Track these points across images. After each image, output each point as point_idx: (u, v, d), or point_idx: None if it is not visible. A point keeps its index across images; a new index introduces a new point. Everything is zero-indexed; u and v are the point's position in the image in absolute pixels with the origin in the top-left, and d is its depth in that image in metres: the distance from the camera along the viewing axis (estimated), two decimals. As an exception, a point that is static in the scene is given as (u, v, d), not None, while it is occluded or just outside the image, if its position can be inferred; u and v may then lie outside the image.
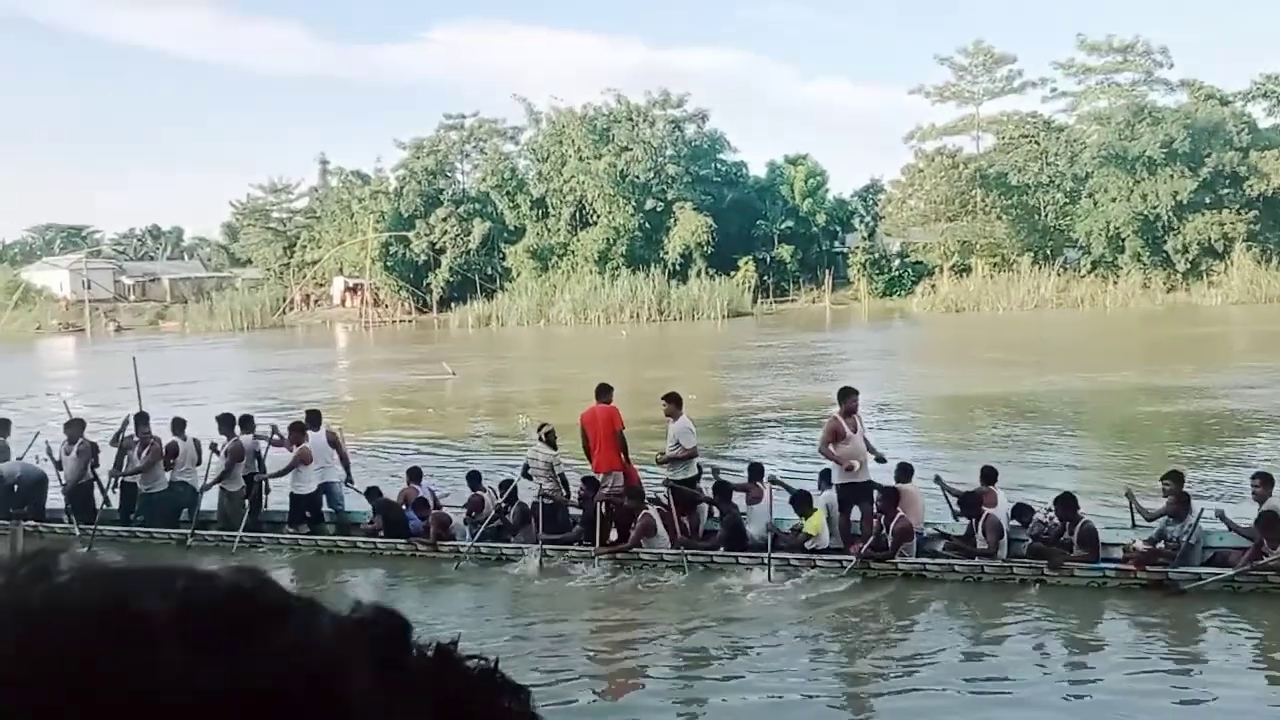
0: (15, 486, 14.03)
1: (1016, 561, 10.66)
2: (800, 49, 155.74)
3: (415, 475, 13.67)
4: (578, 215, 71.62)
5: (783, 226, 71.23)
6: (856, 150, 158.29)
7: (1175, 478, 10.80)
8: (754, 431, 21.61)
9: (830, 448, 11.72)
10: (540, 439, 12.91)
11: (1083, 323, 49.31)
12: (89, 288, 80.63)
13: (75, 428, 14.50)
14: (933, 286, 66.62)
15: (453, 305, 71.64)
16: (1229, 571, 9.93)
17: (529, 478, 12.79)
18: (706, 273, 67.53)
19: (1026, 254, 65.36)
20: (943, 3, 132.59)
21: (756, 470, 12.51)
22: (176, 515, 13.82)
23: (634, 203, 69.67)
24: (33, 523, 13.15)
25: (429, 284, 73.64)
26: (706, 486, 12.62)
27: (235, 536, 13.21)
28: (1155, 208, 61.04)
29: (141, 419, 14.20)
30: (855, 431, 11.72)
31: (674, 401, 12.52)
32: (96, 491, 14.51)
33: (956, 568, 10.80)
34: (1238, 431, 19.61)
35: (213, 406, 21.60)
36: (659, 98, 72.04)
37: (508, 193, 73.08)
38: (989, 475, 11.71)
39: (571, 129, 71.61)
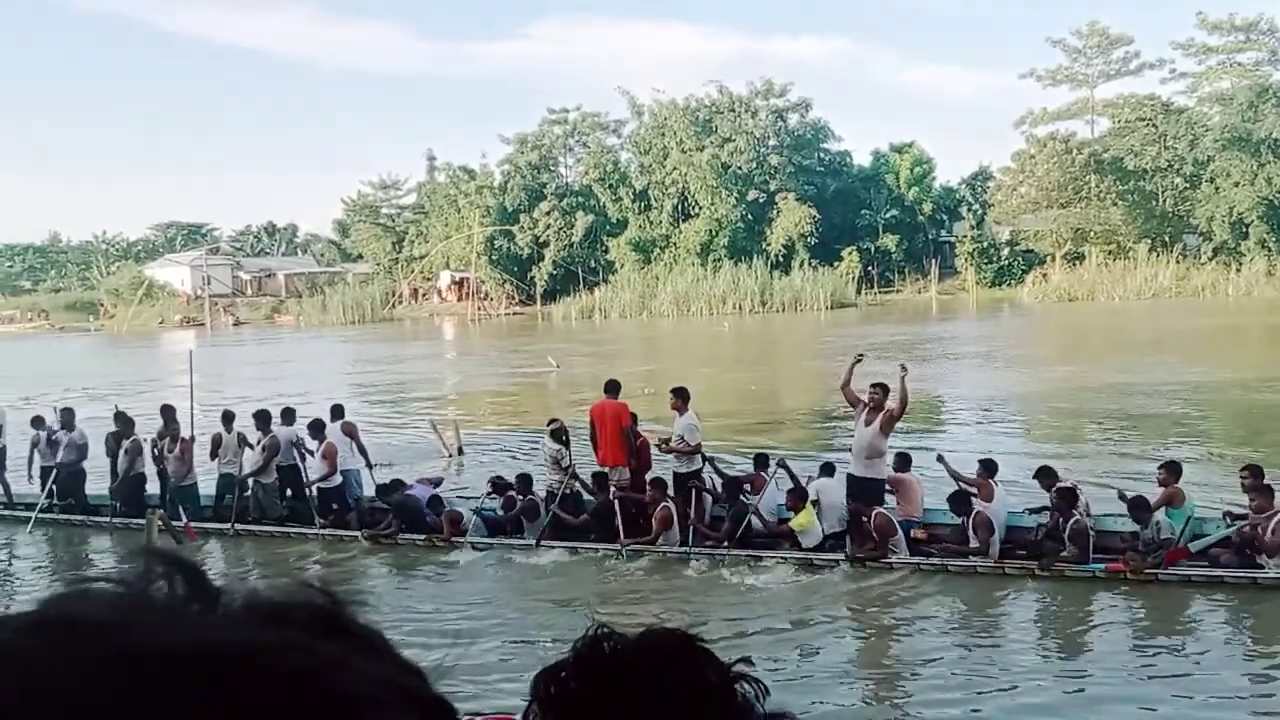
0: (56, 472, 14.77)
1: (1009, 562, 10.74)
2: (905, 33, 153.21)
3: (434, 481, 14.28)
4: (680, 207, 71.63)
5: (888, 216, 70.18)
6: (964, 137, 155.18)
7: (1172, 468, 11.12)
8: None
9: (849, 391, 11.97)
10: (549, 434, 13.23)
11: (1204, 312, 47.51)
12: (208, 283, 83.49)
13: (125, 424, 14.93)
14: (1044, 276, 64.96)
15: (556, 298, 72.34)
16: (1219, 572, 10.06)
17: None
18: (809, 264, 66.92)
19: (1143, 241, 63.30)
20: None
21: (761, 460, 12.75)
22: (199, 505, 14.38)
23: (736, 194, 69.38)
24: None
25: (533, 277, 74.47)
26: (708, 480, 12.73)
27: (269, 528, 13.83)
28: (1282, 192, 58.50)
29: (168, 412, 14.68)
30: (869, 426, 11.69)
31: (681, 396, 12.71)
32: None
33: (950, 567, 10.86)
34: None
35: (327, 398, 22.22)
36: (761, 88, 71.61)
37: (610, 186, 73.45)
38: (989, 467, 11.69)
39: (673, 121, 71.61)
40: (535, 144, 76.60)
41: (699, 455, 12.58)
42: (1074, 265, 64.91)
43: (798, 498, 11.78)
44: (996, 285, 67.25)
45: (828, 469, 12.33)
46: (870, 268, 69.52)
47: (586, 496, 12.90)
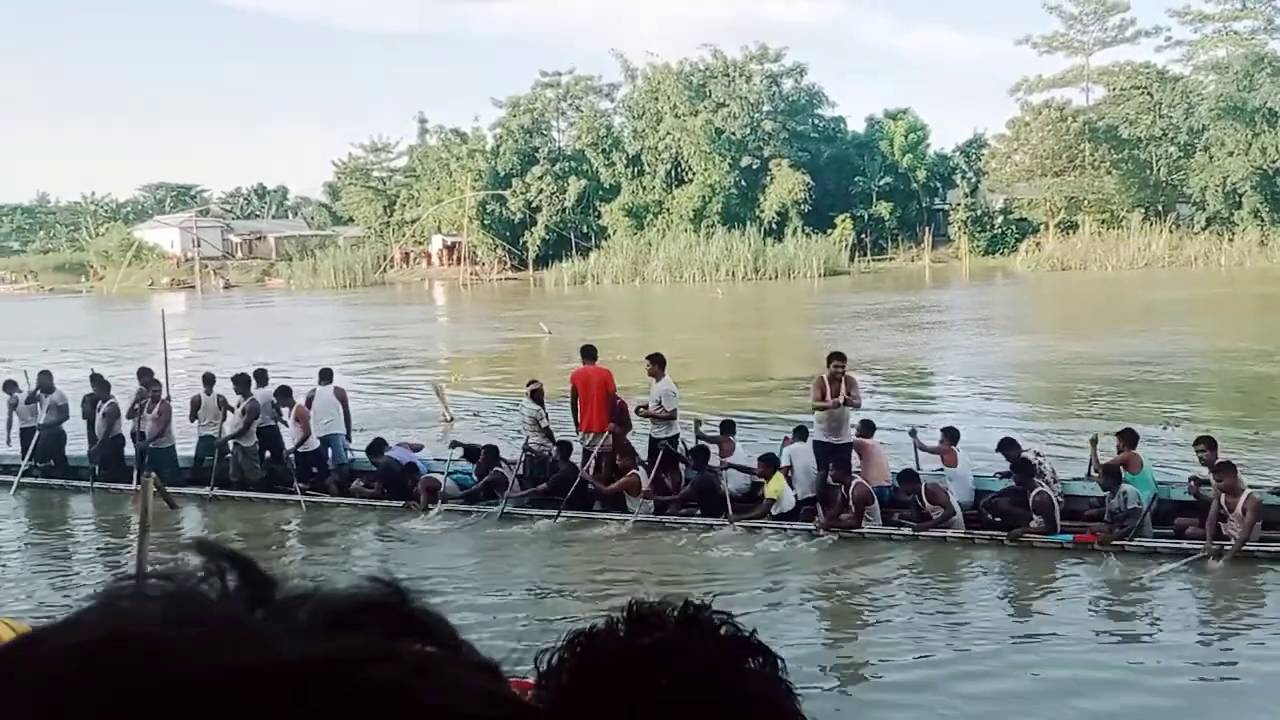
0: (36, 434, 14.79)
1: (978, 533, 10.80)
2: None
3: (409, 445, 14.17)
4: (673, 173, 71.31)
5: (881, 183, 69.97)
6: (959, 103, 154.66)
7: (1127, 436, 11.21)
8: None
9: (821, 402, 11.81)
10: (528, 395, 13.38)
11: (1196, 282, 47.59)
12: (198, 245, 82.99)
13: (101, 386, 14.94)
14: (1037, 245, 64.94)
15: (549, 263, 72.09)
16: (1186, 544, 10.10)
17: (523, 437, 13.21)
18: (803, 231, 66.74)
19: (1137, 210, 63.24)
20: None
21: (728, 426, 12.95)
22: (177, 467, 14.33)
23: (730, 160, 69.08)
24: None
25: (525, 242, 74.19)
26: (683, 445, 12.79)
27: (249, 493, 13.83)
28: (1275, 162, 58.43)
29: (146, 374, 14.74)
30: (838, 395, 11.76)
31: (658, 362, 12.82)
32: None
33: (919, 536, 10.90)
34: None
35: (317, 362, 22.13)
36: (756, 52, 71.14)
37: (603, 150, 73.05)
38: (951, 435, 11.80)
39: (667, 85, 71.13)
40: (528, 107, 76.07)
41: (673, 421, 12.64)
42: (1067, 234, 64.86)
43: (768, 464, 11.80)
44: (990, 254, 67.18)
45: (800, 433, 12.32)
46: (864, 235, 69.39)
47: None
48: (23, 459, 14.86)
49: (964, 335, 31.41)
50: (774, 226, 67.91)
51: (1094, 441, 11.72)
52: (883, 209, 69.55)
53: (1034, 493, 10.62)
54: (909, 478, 11.38)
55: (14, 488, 14.57)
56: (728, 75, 70.43)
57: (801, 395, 15.08)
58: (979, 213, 69.08)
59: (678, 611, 0.55)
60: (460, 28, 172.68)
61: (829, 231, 67.47)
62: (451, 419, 18.81)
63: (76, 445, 15.19)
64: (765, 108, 70.27)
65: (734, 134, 68.70)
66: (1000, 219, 68.98)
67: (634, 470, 12.14)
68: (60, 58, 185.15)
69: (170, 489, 13.61)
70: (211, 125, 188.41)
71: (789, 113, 70.50)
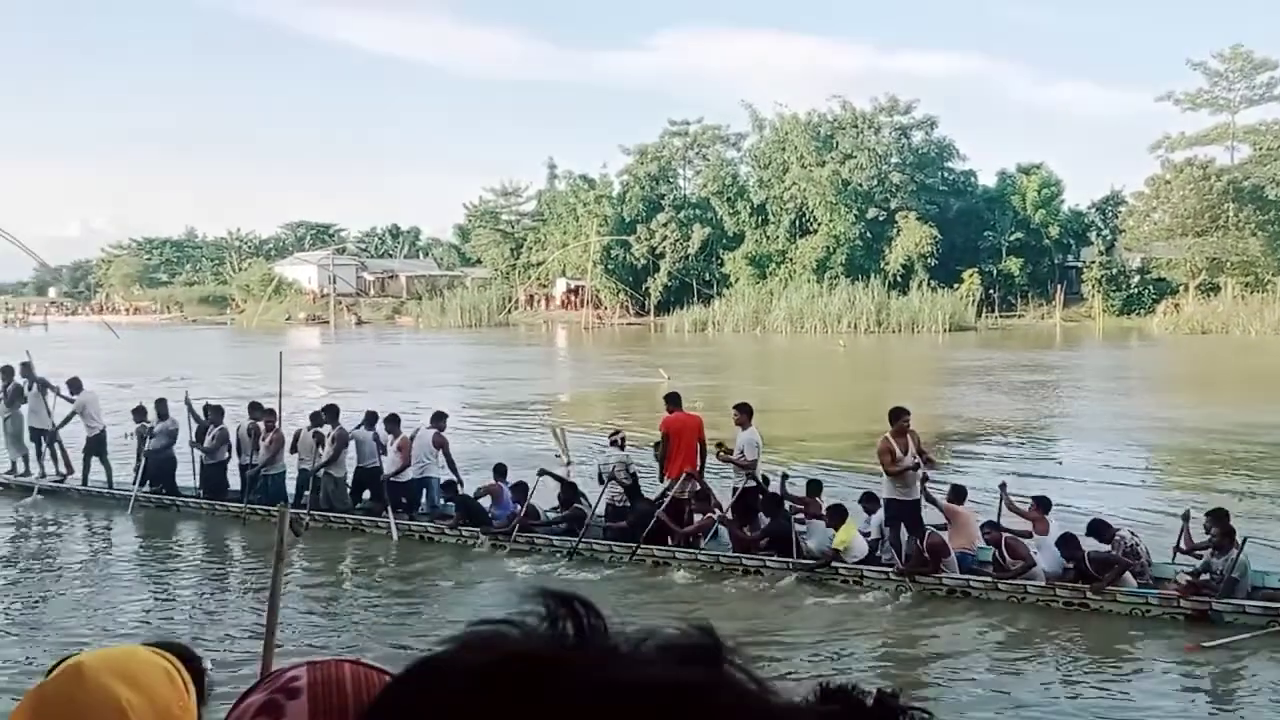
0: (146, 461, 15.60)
1: (1060, 585, 10.51)
2: (1038, 51, 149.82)
3: (500, 472, 14.25)
4: (797, 223, 71.12)
5: (1012, 238, 68.53)
6: (1096, 159, 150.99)
7: (1218, 515, 10.53)
8: (969, 450, 20.81)
9: (892, 466, 11.60)
10: (613, 443, 13.61)
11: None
12: (334, 282, 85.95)
13: (214, 413, 15.63)
14: (1176, 306, 62.61)
15: (670, 310, 72.47)
16: (1275, 605, 9.67)
17: (602, 482, 13.32)
18: (928, 284, 65.72)
19: (1283, 273, 60.52)
20: (1196, 5, 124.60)
21: (814, 486, 12.87)
22: (285, 496, 14.74)
23: (855, 211, 68.60)
24: (293, 511, 14.04)
25: (647, 288, 74.78)
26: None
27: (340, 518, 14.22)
28: None
29: (255, 409, 15.36)
30: (907, 452, 11.62)
31: (744, 412, 12.86)
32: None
33: (1000, 586, 10.69)
34: None
35: (439, 400, 22.58)
36: (886, 104, 70.71)
37: (728, 199, 73.35)
38: (1042, 504, 11.51)
39: (795, 135, 71.17)
40: (655, 155, 76.99)
41: (754, 470, 12.71)
42: (1208, 296, 62.41)
43: (838, 516, 11.81)
44: (1125, 314, 65.06)
45: (872, 500, 12.15)
46: (992, 291, 67.96)
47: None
48: (135, 482, 15.68)
49: (1096, 398, 30.39)
50: (899, 279, 67.04)
51: (1186, 517, 11.18)
52: (1013, 265, 68.05)
53: (1113, 544, 10.40)
54: (992, 527, 11.24)
55: (130, 507, 15.33)
56: (856, 126, 70.14)
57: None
58: (1114, 271, 67.03)
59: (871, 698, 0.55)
60: (591, 75, 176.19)
61: (956, 286, 66.28)
62: (570, 462, 18.96)
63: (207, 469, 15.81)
64: (894, 159, 69.70)
65: (861, 185, 68.26)
66: (1137, 278, 66.81)
67: (710, 514, 12.27)
68: (210, 101, 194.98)
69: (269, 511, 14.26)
70: (351, 167, 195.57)
71: (918, 165, 69.77)
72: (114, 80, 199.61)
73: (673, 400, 13.55)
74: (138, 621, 10.62)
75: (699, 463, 12.92)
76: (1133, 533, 11.08)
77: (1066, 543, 10.69)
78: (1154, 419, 25.01)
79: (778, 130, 72.99)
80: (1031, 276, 68.76)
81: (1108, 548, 10.67)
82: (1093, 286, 66.51)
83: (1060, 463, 19.77)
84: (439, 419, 14.91)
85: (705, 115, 79.95)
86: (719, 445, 12.99)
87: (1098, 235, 71.37)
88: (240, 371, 34.93)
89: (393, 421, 14.82)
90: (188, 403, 15.83)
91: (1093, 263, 67.40)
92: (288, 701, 1.06)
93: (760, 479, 12.81)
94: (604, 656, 0.52)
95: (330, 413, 14.90)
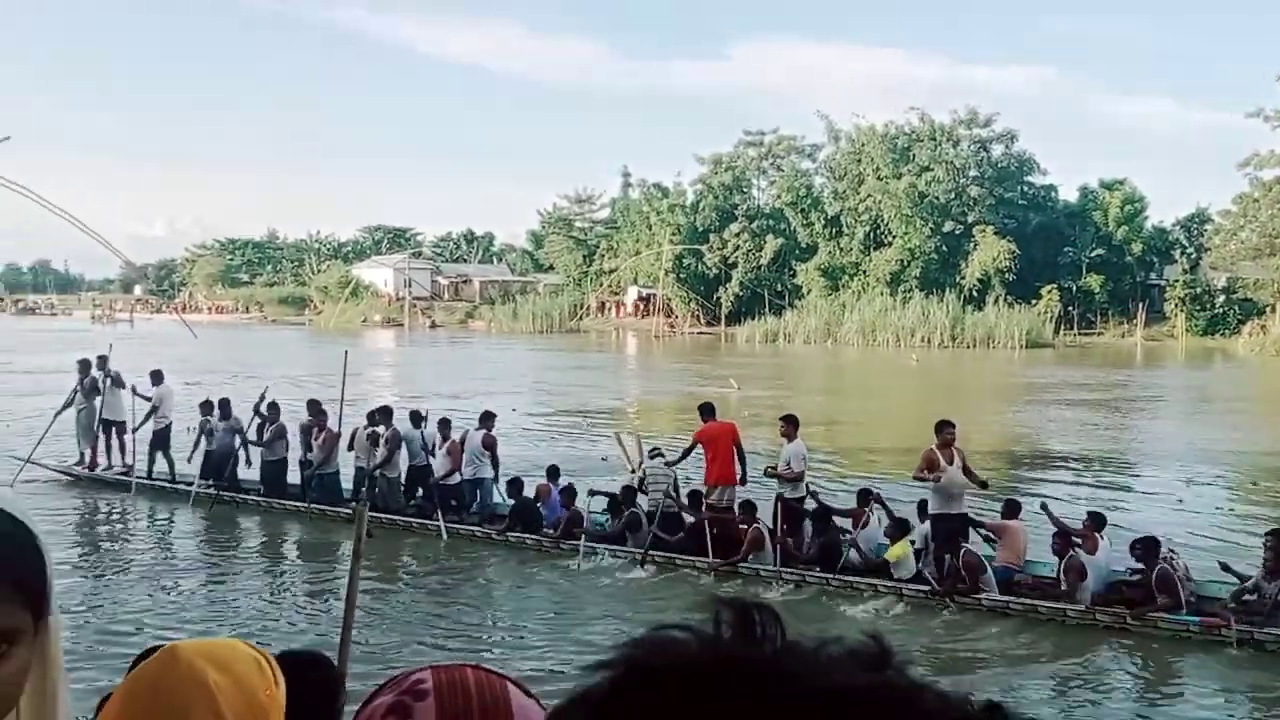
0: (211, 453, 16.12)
1: (1100, 609, 10.40)
2: (1121, 65, 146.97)
3: (553, 473, 14.37)
4: (872, 235, 70.47)
5: (1092, 255, 67.16)
6: (1181, 176, 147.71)
7: (1276, 535, 10.19)
8: (1040, 469, 20.40)
9: (924, 474, 11.69)
10: (652, 456, 13.94)
11: None
12: (409, 286, 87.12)
13: (272, 411, 16.00)
14: (1263, 327, 60.77)
15: (741, 320, 72.24)
16: None
17: (644, 492, 13.48)
18: (1005, 300, 64.67)
19: (1379, 296, 58.46)
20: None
21: (864, 495, 12.81)
22: (341, 494, 15.23)
23: (931, 224, 67.78)
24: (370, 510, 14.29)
25: (719, 297, 74.64)
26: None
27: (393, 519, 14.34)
28: None
29: (314, 405, 15.61)
30: (952, 464, 11.62)
31: (791, 424, 13.11)
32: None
33: (1040, 608, 10.62)
34: None
35: (506, 403, 22.76)
36: (965, 116, 69.84)
37: (802, 210, 72.95)
38: (1096, 520, 11.41)
39: (871, 147, 70.58)
40: (729, 165, 76.88)
41: (800, 482, 12.84)
42: (1297, 317, 60.52)
43: (898, 529, 11.82)
44: (1209, 334, 63.38)
45: (924, 510, 12.20)
46: (1070, 308, 66.64)
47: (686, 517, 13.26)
48: (197, 477, 16.15)
49: (1177, 418, 29.63)
50: (975, 294, 66.05)
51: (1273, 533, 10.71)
52: (1093, 281, 66.70)
53: (1154, 571, 10.24)
54: (1063, 539, 11.01)
55: (191, 500, 15.75)
56: (934, 139, 69.35)
57: (987, 472, 14.51)
58: (1199, 290, 65.35)
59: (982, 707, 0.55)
60: (666, 85, 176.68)
61: (1033, 302, 65.10)
62: (634, 470, 18.96)
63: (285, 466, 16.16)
64: (972, 173, 68.76)
65: (937, 198, 67.44)
66: (1222, 298, 65.06)
67: (755, 526, 12.30)
68: (293, 106, 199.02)
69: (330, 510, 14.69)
70: (428, 173, 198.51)
71: (996, 179, 68.75)
72: (201, 83, 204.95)
73: (706, 410, 13.74)
74: (203, 616, 10.84)
75: (739, 470, 13.13)
76: (1173, 551, 10.85)
77: (1145, 548, 10.53)
78: (1236, 441, 24.30)
79: (854, 141, 72.44)
80: (1112, 294, 67.33)
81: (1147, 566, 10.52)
82: (1176, 305, 64.92)
83: (1131, 486, 19.29)
84: (487, 419, 15.11)
85: (780, 126, 79.98)
86: (768, 468, 13.20)
87: (1182, 253, 69.66)
88: (316, 371, 35.57)
89: (444, 425, 15.07)
90: (260, 401, 16.15)
91: (1176, 281, 65.79)
92: (415, 703, 1.09)
93: (807, 490, 12.91)
94: (804, 660, 0.54)
95: (384, 413, 15.19)
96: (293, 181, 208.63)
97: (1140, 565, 10.58)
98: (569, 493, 13.68)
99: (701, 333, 73.36)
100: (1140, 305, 65.83)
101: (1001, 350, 59.96)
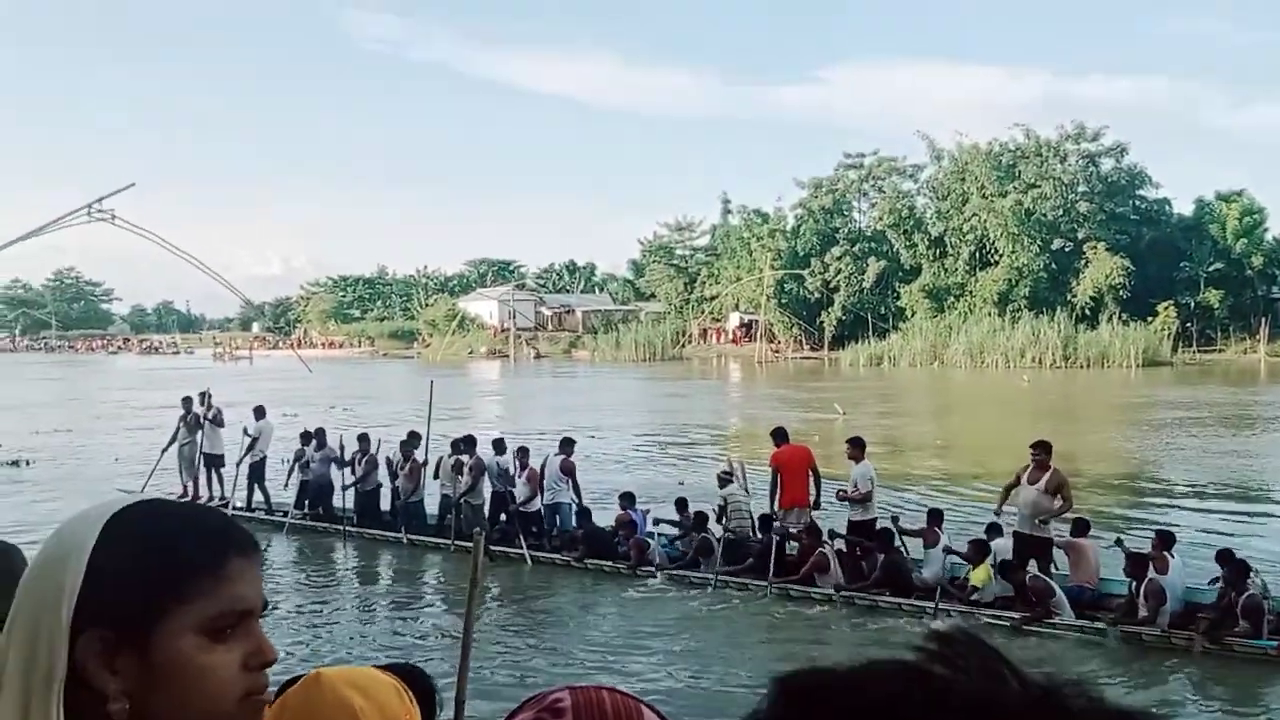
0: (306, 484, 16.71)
1: (1175, 631, 10.27)
2: (1233, 72, 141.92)
3: (628, 500, 14.43)
4: (977, 255, 69.18)
5: (1211, 269, 64.88)
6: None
7: None
8: (1161, 502, 19.70)
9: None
10: (732, 480, 13.90)
11: None
12: (514, 317, 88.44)
13: (364, 441, 16.43)
14: (1395, 340, 57.99)
15: (844, 344, 71.54)
16: None
17: (724, 517, 13.55)
18: (1119, 317, 62.82)
19: None
20: None
21: (935, 515, 12.74)
22: (426, 521, 15.68)
23: (1039, 242, 66.29)
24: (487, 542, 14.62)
25: (821, 322, 74.06)
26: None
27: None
28: None
29: (413, 439, 15.94)
30: (1032, 485, 11.79)
31: (858, 446, 13.22)
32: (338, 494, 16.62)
33: (1116, 634, 10.50)
34: None
35: (613, 432, 22.94)
36: (1072, 131, 68.29)
37: (904, 231, 72.07)
38: (1165, 539, 11.22)
39: (974, 165, 69.43)
40: (829, 188, 76.41)
41: (869, 504, 12.97)
42: None
43: (979, 551, 11.68)
44: (1338, 348, 60.66)
45: (995, 530, 12.27)
46: (1189, 324, 64.43)
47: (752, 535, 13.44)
48: (291, 506, 16.81)
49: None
50: (1087, 312, 64.32)
51: None
52: (1212, 297, 64.41)
53: (1244, 596, 10.05)
54: (1137, 563, 10.88)
55: (285, 529, 16.32)
56: (1040, 155, 67.90)
57: (1100, 498, 14.20)
58: (1326, 303, 62.63)
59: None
60: (762, 110, 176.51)
61: (1149, 319, 63.08)
62: (748, 491, 18.96)
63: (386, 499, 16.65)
64: (1081, 188, 67.11)
65: (1045, 215, 65.97)
66: (1352, 311, 62.25)
67: (821, 550, 12.36)
68: (399, 144, 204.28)
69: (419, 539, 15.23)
70: (530, 206, 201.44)
71: (1107, 194, 66.97)
72: (313, 125, 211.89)
73: (779, 435, 13.93)
74: (307, 642, 11.20)
75: (814, 493, 13.34)
76: (1255, 569, 10.61)
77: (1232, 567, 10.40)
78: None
79: (956, 160, 71.38)
80: (1232, 309, 64.91)
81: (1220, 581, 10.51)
82: (1301, 320, 62.30)
83: (1255, 514, 18.54)
84: (567, 445, 15.38)
85: (879, 147, 79.39)
86: (839, 493, 13.29)
87: (1307, 266, 66.91)
88: (420, 401, 36.41)
89: (523, 452, 15.42)
90: (362, 441, 16.67)
91: (1301, 294, 63.20)
92: None
93: (873, 521, 12.94)
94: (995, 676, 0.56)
95: (468, 442, 15.55)
96: (402, 218, 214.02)
97: (1221, 574, 10.53)
98: (631, 525, 13.91)
99: (805, 358, 72.84)
100: (1263, 320, 63.31)
101: (1116, 369, 58.22)
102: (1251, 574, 10.33)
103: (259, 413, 18.12)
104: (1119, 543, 11.78)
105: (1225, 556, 10.83)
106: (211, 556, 1.11)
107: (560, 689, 1.14)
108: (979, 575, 11.48)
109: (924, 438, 29.04)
